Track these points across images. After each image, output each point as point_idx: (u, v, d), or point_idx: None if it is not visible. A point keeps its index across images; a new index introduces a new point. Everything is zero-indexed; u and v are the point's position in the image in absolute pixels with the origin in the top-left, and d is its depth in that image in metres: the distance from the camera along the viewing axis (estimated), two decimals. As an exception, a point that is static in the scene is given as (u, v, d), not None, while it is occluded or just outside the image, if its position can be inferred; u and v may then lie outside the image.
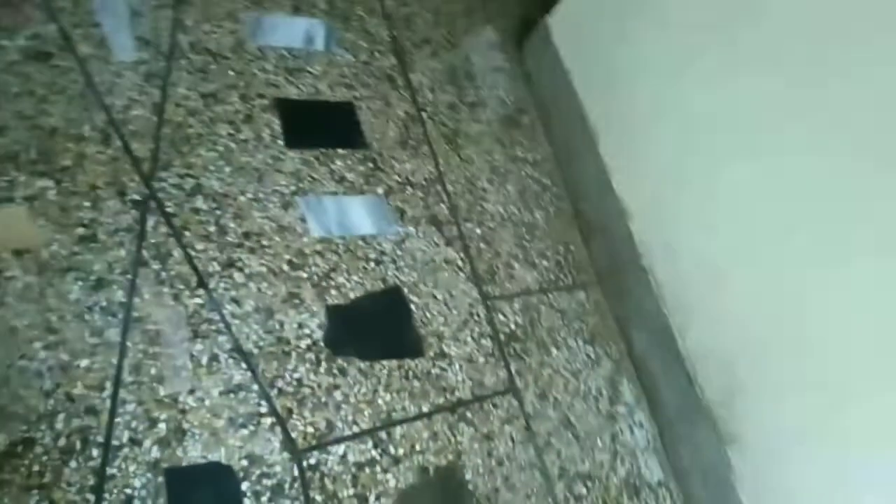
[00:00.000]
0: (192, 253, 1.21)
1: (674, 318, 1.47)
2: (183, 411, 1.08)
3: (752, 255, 1.29)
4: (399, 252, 1.43)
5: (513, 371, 1.43)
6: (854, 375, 1.14)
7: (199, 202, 1.26)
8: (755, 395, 1.31)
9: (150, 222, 1.20)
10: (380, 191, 1.48)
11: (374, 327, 1.33)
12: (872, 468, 1.12)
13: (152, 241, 1.19)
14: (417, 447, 1.26)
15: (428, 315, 1.40)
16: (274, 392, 1.17)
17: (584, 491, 1.39)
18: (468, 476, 1.28)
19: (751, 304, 1.30)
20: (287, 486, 1.11)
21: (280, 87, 1.47)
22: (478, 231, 1.56)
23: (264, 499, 1.09)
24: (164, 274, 1.17)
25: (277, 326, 1.23)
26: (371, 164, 1.49)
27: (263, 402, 1.15)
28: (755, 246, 1.28)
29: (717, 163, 1.34)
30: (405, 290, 1.40)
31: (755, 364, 1.31)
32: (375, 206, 1.44)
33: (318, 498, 1.13)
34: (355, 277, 1.35)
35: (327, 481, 1.15)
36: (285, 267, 1.28)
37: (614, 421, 1.51)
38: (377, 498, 1.18)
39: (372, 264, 1.39)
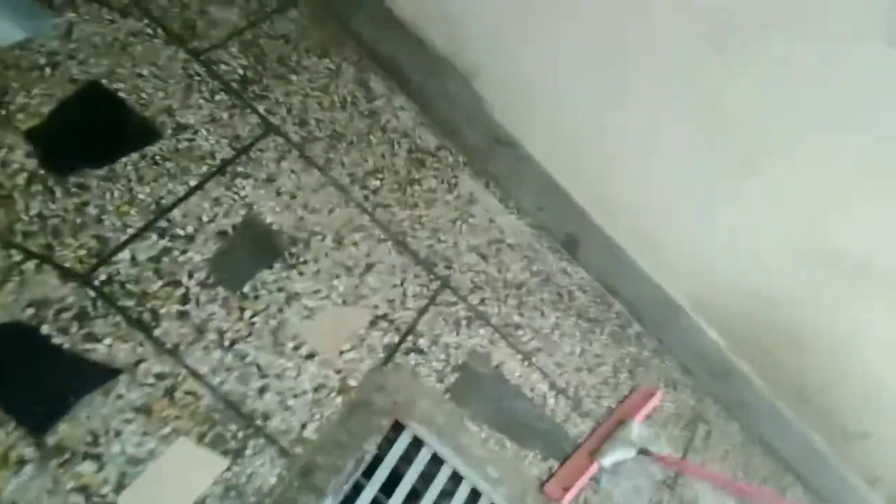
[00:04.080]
0: None
1: (383, -9, 1.47)
2: (-80, 299, 0.95)
3: None
4: (72, 45, 1.24)
5: (262, 112, 1.39)
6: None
7: None
8: (473, 23, 1.40)
9: None
10: (4, -14, 1.21)
11: (91, 131, 1.20)
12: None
13: None
14: (205, 218, 1.24)
15: (144, 96, 1.27)
16: (18, 238, 1.06)
17: (377, 183, 1.48)
18: (269, 219, 1.30)
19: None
20: (90, 308, 1.07)
21: None
22: (151, -11, 1.37)
23: (74, 329, 1.05)
24: None
25: (-24, 176, 1.06)
26: (-28, -42, 1.19)
27: (13, 251, 1.04)
28: None
29: None
30: (103, 81, 1.24)
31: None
32: (10, 6, 1.20)
33: (130, 303, 1.11)
34: (37, 91, 1.17)
35: (130, 286, 1.12)
36: (-60, 112, 1.07)
37: (378, 115, 1.56)
38: (189, 276, 1.18)
39: (48, 70, 1.20)
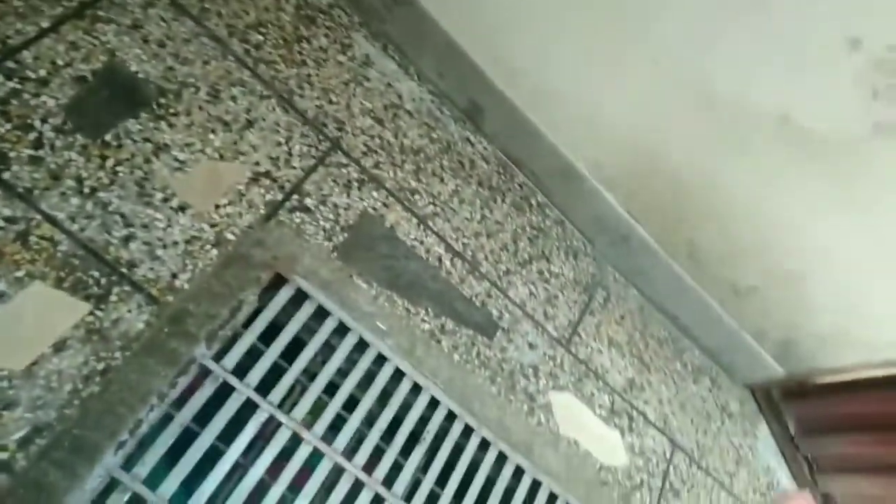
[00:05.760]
0: None
1: None
2: None
3: None
4: None
5: (126, -46, 1.28)
6: None
7: None
8: None
9: None
10: None
11: (-82, -40, 1.08)
12: None
13: None
14: (60, 62, 1.16)
15: (-19, -74, 1.15)
16: None
17: (260, 38, 1.40)
18: (134, 68, 1.23)
19: None
20: (-75, 147, 1.00)
21: None
22: None
23: None
24: None
25: None
26: None
27: None
28: None
29: None
30: None
31: None
32: None
33: (-28, 144, 1.04)
34: None
35: (-29, 127, 1.05)
36: None
37: (262, -33, 1.46)
38: (43, 120, 1.11)
39: None
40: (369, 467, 1.24)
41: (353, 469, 1.21)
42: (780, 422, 1.90)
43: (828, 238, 1.41)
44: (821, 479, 1.88)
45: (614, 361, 1.69)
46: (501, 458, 1.41)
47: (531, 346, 1.55)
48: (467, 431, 1.39)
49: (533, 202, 1.72)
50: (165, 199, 1.18)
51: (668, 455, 1.68)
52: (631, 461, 1.60)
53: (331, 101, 1.46)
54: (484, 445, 1.40)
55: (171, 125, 1.23)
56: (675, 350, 1.85)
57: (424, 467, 1.31)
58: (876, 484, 1.71)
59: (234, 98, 1.32)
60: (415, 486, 1.29)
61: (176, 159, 1.21)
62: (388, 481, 1.25)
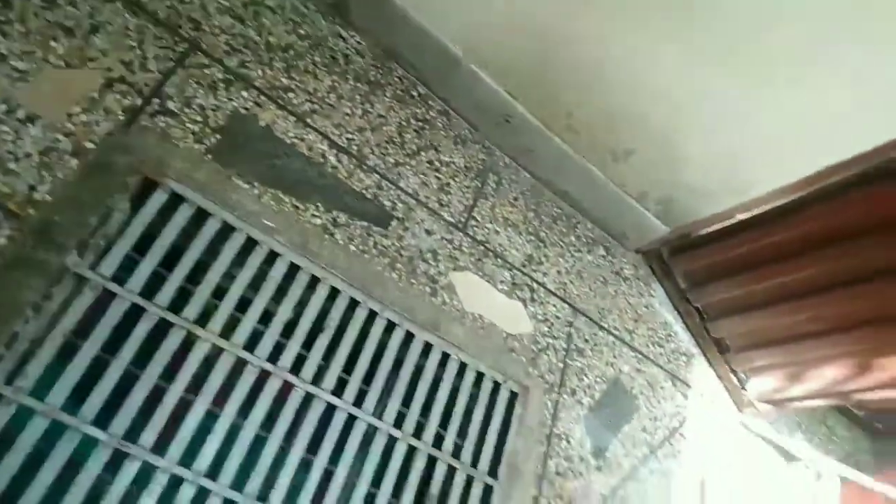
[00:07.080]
0: None
1: None
2: None
3: None
4: None
5: None
6: None
7: None
8: None
9: None
10: None
11: None
12: None
13: None
14: None
15: None
16: None
17: (93, -63, 1.30)
18: (-52, -26, 1.12)
19: None
20: None
21: None
22: None
23: None
24: None
25: None
26: None
27: None
28: None
29: None
30: None
31: None
32: None
33: None
34: None
35: None
36: None
37: None
38: None
39: None
40: (273, 359, 1.26)
41: (257, 360, 1.23)
42: (671, 279, 2.04)
43: (692, 90, 1.49)
44: (711, 327, 2.05)
45: (512, 240, 1.75)
46: (409, 338, 1.47)
47: (428, 232, 1.59)
48: (371, 316, 1.43)
49: (415, 94, 1.73)
50: (10, 111, 1.12)
51: (569, 319, 1.78)
52: (535, 328, 1.69)
53: (182, 1, 1.39)
54: (389, 328, 1.45)
55: (4, 34, 1.15)
56: (569, 224, 1.94)
57: (330, 354, 1.34)
58: (756, 317, 1.88)
59: (73, 3, 1.24)
60: (323, 372, 1.32)
61: (15, 69, 1.14)
62: (296, 370, 1.28)
